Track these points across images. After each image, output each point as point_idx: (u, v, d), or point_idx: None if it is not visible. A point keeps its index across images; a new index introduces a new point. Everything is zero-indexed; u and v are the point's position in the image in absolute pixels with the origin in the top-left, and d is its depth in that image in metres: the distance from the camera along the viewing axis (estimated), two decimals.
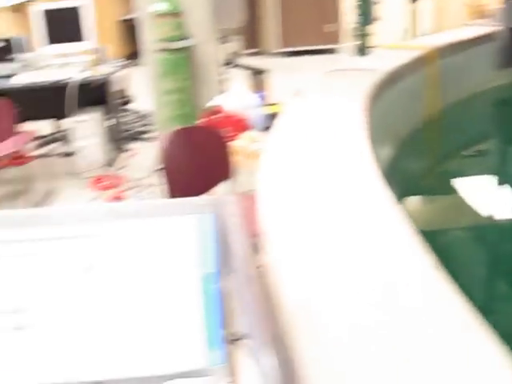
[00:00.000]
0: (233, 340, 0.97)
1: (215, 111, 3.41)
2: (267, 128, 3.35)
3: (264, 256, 0.90)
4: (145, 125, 6.25)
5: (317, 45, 10.45)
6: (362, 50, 4.60)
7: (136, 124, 6.35)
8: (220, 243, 0.92)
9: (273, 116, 3.47)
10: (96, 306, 0.91)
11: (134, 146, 5.64)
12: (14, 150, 4.59)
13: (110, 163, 5.34)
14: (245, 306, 0.76)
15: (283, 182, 1.16)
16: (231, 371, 0.94)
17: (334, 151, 1.35)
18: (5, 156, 4.78)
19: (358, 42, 4.78)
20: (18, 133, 4.50)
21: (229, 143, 3.07)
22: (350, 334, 0.70)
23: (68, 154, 5.77)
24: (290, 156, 1.33)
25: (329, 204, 1.06)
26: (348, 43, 8.71)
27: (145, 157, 5.33)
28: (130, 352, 0.92)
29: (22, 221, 0.89)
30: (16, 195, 4.92)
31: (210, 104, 3.57)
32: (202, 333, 0.92)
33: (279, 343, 0.68)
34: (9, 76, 5.22)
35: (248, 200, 1.08)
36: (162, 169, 2.98)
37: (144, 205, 0.89)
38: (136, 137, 6.00)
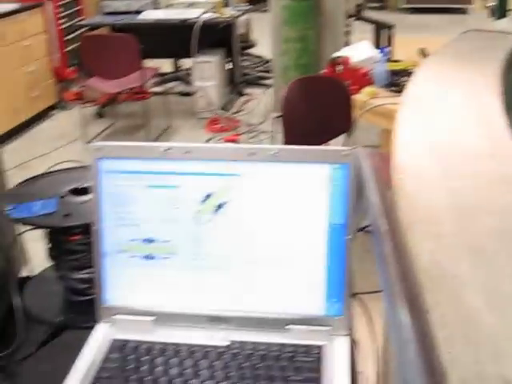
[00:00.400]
0: (352, 294, 0.96)
1: (338, 63, 3.35)
2: (389, 84, 3.27)
3: (398, 212, 0.88)
4: (264, 71, 6.24)
5: (445, 3, 9.91)
6: (500, 12, 4.35)
7: (256, 69, 6.35)
8: (352, 195, 0.90)
9: (396, 73, 3.38)
10: (225, 244, 0.92)
11: (252, 91, 5.66)
12: (137, 84, 4.70)
13: (226, 106, 5.39)
14: (379, 260, 0.75)
15: (420, 143, 1.12)
16: (348, 324, 0.94)
17: (467, 117, 1.28)
18: (128, 90, 4.92)
19: (494, 3, 4.54)
20: (142, 68, 4.60)
21: (350, 96, 3.02)
22: (488, 301, 0.67)
23: (186, 94, 5.87)
24: (425, 119, 1.27)
25: (464, 166, 1.01)
26: (481, 3, 8.30)
27: (262, 103, 5.35)
28: (254, 292, 0.93)
29: (162, 153, 0.91)
30: (135, 129, 5.07)
31: (333, 55, 3.50)
32: (322, 283, 0.92)
33: (413, 300, 0.66)
34: (137, 12, 5.34)
35: (379, 156, 1.05)
36: (279, 116, 2.98)
37: (281, 149, 0.89)
38: (254, 82, 6.02)
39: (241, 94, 5.72)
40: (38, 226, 1.04)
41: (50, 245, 1.10)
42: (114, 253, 0.94)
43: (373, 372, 1.04)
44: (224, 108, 5.30)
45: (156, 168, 0.91)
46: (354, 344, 0.94)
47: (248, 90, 5.69)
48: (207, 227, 0.92)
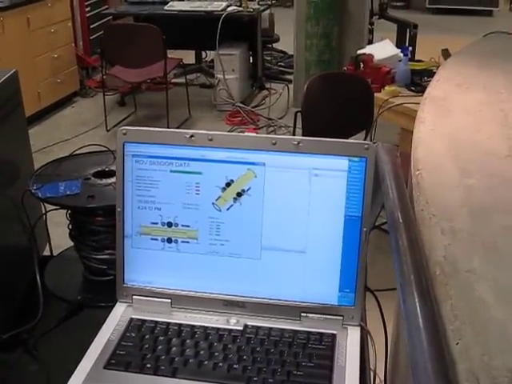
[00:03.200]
0: (365, 287, 0.98)
1: (361, 60, 3.35)
2: (411, 84, 3.27)
3: (414, 207, 0.90)
4: (286, 66, 6.25)
5: (470, 5, 9.77)
6: None
7: (277, 64, 6.36)
8: (369, 189, 0.92)
9: (417, 73, 3.38)
10: (243, 231, 0.94)
11: (273, 85, 5.66)
12: (159, 74, 4.73)
13: (247, 100, 5.40)
14: (394, 252, 0.77)
15: (439, 140, 1.13)
16: (360, 314, 0.96)
17: (487, 117, 1.29)
18: (151, 79, 4.95)
19: None
20: (165, 59, 4.62)
21: (372, 94, 3.03)
22: (498, 296, 0.69)
23: (208, 86, 5.90)
24: (446, 117, 1.28)
25: (481, 165, 1.02)
26: (506, 6, 8.22)
27: (282, 98, 5.36)
28: (270, 279, 0.95)
29: (186, 139, 0.93)
30: (155, 119, 5.10)
31: (356, 53, 3.51)
32: (337, 273, 0.94)
33: (426, 292, 0.68)
34: (162, 2, 5.35)
35: (397, 153, 1.06)
36: (299, 111, 3.00)
37: (303, 140, 0.91)
38: (276, 77, 6.02)
39: (262, 88, 5.73)
40: (62, 206, 1.06)
41: (72, 225, 1.12)
42: (135, 235, 0.97)
43: (382, 364, 1.06)
44: (244, 101, 5.31)
45: (180, 154, 0.93)
46: (365, 334, 0.96)
47: (269, 85, 5.70)
48: (227, 214, 0.94)
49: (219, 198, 0.94)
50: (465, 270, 0.76)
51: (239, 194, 0.93)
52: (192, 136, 0.93)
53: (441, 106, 1.37)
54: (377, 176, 0.94)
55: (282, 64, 6.37)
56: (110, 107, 5.20)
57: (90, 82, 5.93)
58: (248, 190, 0.93)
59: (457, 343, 0.66)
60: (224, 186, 0.93)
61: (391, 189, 0.91)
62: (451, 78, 1.60)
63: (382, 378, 1.08)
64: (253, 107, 5.32)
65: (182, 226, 0.95)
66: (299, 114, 2.94)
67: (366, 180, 0.91)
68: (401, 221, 0.83)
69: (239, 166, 0.92)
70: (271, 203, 0.93)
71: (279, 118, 5.06)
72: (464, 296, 0.72)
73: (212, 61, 5.82)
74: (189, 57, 6.21)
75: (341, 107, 2.94)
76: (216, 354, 0.89)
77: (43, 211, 1.16)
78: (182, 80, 5.48)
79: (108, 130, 4.81)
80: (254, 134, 0.93)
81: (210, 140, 0.92)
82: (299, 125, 3.01)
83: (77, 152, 1.22)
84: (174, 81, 5.74)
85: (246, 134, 0.94)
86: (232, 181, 0.93)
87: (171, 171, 0.94)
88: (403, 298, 0.68)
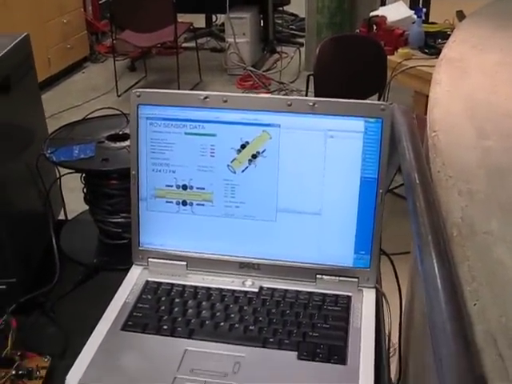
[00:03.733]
0: (380, 249, 0.98)
1: (374, 22, 3.31)
2: (424, 46, 3.23)
3: (431, 168, 0.89)
4: (297, 29, 6.18)
5: None
6: None
7: (289, 27, 6.29)
8: (385, 150, 0.91)
9: (431, 35, 3.33)
10: (258, 193, 0.94)
11: (284, 49, 5.61)
12: (169, 39, 4.70)
13: (258, 63, 5.36)
14: (412, 213, 0.76)
15: (456, 101, 1.11)
16: (375, 276, 0.96)
17: (504, 77, 1.27)
18: (161, 44, 4.92)
19: None
20: (175, 23, 4.58)
21: (385, 56, 3.00)
22: None
23: (218, 50, 5.85)
24: (462, 78, 1.26)
25: (498, 126, 1.01)
26: None
27: (294, 61, 5.31)
28: (285, 241, 0.95)
29: (201, 101, 0.92)
30: (166, 83, 5.08)
31: (368, 15, 3.46)
32: (352, 235, 0.94)
33: (443, 253, 0.68)
34: None
35: (413, 114, 1.05)
36: (311, 75, 2.97)
37: (318, 101, 0.90)
38: (287, 40, 5.96)
39: (273, 52, 5.68)
40: (76, 170, 1.06)
41: (87, 189, 1.12)
42: (150, 198, 0.97)
43: (396, 326, 1.06)
44: (255, 65, 5.27)
45: (194, 116, 0.93)
46: (380, 296, 0.96)
47: (280, 48, 5.64)
48: (242, 176, 0.93)
49: (234, 160, 0.93)
50: (482, 232, 0.76)
51: (254, 156, 0.92)
52: (206, 98, 0.92)
53: (457, 67, 1.35)
54: (392, 137, 0.93)
55: (293, 27, 6.30)
56: (120, 72, 5.18)
57: (100, 48, 5.90)
58: (263, 151, 0.92)
59: (474, 304, 0.66)
60: (239, 147, 0.92)
61: (408, 150, 0.90)
62: (467, 40, 1.58)
63: (396, 340, 1.09)
64: (264, 71, 5.28)
65: (197, 188, 0.95)
66: (311, 77, 2.91)
67: (383, 141, 0.90)
68: (418, 182, 0.82)
69: (254, 127, 0.92)
70: (286, 165, 0.92)
71: (291, 82, 5.02)
72: (481, 257, 0.71)
73: (222, 24, 5.77)
74: (199, 21, 6.15)
75: (353, 70, 2.91)
76: (232, 315, 0.89)
77: (57, 176, 1.16)
78: (192, 44, 5.44)
79: (119, 96, 4.79)
80: (269, 95, 0.92)
81: (225, 101, 0.92)
82: (311, 89, 2.99)
83: (90, 116, 1.22)
84: (184, 45, 5.69)
85: (261, 95, 0.93)
86: (247, 142, 0.92)
87: (185, 133, 0.93)
88: (421, 259, 0.68)
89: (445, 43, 3.31)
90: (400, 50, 3.21)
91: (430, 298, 0.62)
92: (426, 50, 3.21)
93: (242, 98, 0.92)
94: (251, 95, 0.94)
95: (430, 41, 3.29)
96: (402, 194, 2.76)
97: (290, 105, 0.90)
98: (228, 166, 0.93)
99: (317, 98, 0.90)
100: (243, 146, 0.92)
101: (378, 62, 3.00)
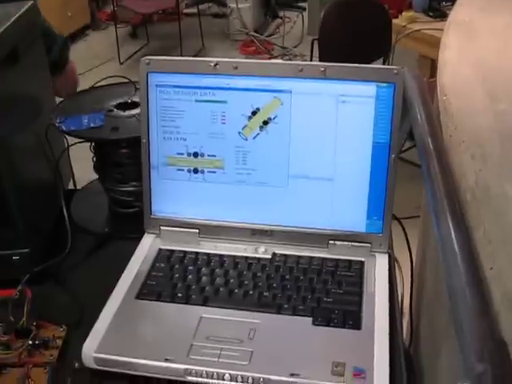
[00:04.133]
0: (395, 216, 0.97)
1: None
2: (429, 9, 3.19)
3: (443, 133, 0.88)
4: None
5: None
6: None
7: None
8: (397, 115, 0.90)
9: None
10: (270, 159, 0.93)
11: (287, 13, 5.55)
12: (171, 5, 4.65)
13: (261, 28, 5.31)
14: (426, 177, 0.76)
15: (465, 65, 1.10)
16: (388, 242, 0.96)
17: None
18: (162, 10, 4.87)
19: None
20: None
21: (390, 20, 2.96)
22: None
23: (220, 16, 5.79)
24: (471, 41, 1.24)
25: (509, 89, 1.00)
26: None
27: (296, 26, 5.26)
28: (297, 207, 0.95)
29: (211, 68, 0.92)
30: (168, 50, 5.04)
31: None
32: (365, 200, 0.93)
33: (459, 217, 0.67)
34: None
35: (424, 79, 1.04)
36: (316, 39, 2.94)
37: (329, 66, 0.89)
38: (289, 4, 5.89)
39: (275, 17, 5.62)
40: (87, 139, 1.06)
41: (96, 158, 1.12)
42: (161, 166, 0.96)
43: (407, 290, 1.06)
44: (258, 30, 5.22)
45: (204, 83, 0.92)
46: (392, 262, 0.96)
47: (282, 13, 5.58)
48: (253, 143, 0.93)
49: (245, 126, 0.92)
50: (497, 195, 0.75)
51: (265, 123, 0.92)
52: (216, 64, 0.91)
53: (466, 30, 1.33)
54: (404, 102, 0.92)
55: None
56: (122, 40, 5.13)
57: (101, 15, 5.84)
58: (274, 118, 0.91)
59: (491, 268, 0.66)
60: (250, 114, 0.92)
61: (420, 115, 0.90)
62: (474, 2, 1.55)
63: (407, 303, 1.09)
64: (267, 36, 5.24)
65: (208, 155, 0.95)
66: (316, 41, 2.89)
67: (395, 106, 0.89)
68: (432, 147, 0.82)
69: (265, 93, 0.91)
70: (298, 131, 0.92)
71: (294, 47, 4.98)
72: (497, 221, 0.71)
73: None
74: None
75: (358, 34, 2.88)
76: (246, 282, 0.89)
77: (66, 146, 1.16)
78: (193, 10, 5.38)
79: (121, 63, 4.76)
80: (280, 61, 0.91)
81: (235, 68, 0.91)
82: (316, 53, 2.96)
83: (97, 85, 1.21)
84: (185, 11, 5.64)
85: (271, 61, 0.92)
86: (258, 109, 0.91)
87: (196, 101, 0.93)
88: (437, 224, 0.67)
89: (449, 6, 3.28)
90: (404, 13, 3.17)
91: (448, 263, 0.62)
92: (431, 13, 3.17)
93: (253, 64, 0.91)
94: (262, 61, 0.93)
95: (435, 3, 3.25)
96: (408, 159, 2.75)
97: (301, 70, 0.89)
98: (239, 132, 0.93)
99: (328, 63, 0.89)
100: (254, 113, 0.92)
101: (383, 25, 2.96)
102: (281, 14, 5.58)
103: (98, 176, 1.14)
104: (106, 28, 5.66)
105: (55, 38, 1.45)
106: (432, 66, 3.17)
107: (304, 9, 5.47)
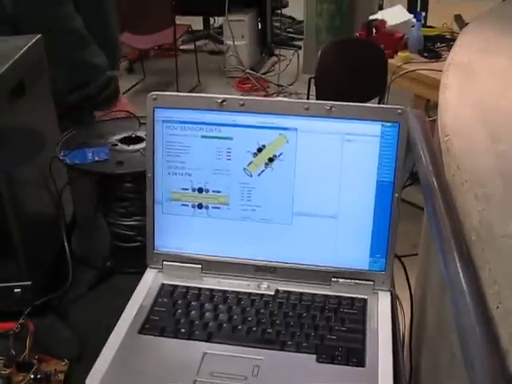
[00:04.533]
0: (395, 254, 0.98)
1: (373, 26, 3.32)
2: (423, 50, 3.24)
3: (446, 173, 0.89)
4: (295, 32, 6.18)
5: None
6: None
7: (287, 30, 6.30)
8: (401, 154, 0.92)
9: (430, 38, 3.34)
10: (275, 196, 0.94)
11: (283, 51, 5.61)
12: (168, 41, 4.69)
13: (257, 66, 5.37)
14: (431, 217, 0.77)
15: (466, 105, 1.12)
16: (390, 280, 0.96)
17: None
18: (159, 46, 4.91)
19: None
20: (174, 25, 4.58)
21: (386, 60, 3.01)
22: None
23: (217, 52, 5.85)
24: (471, 82, 1.27)
25: (510, 130, 1.01)
26: None
27: (292, 64, 5.31)
28: (301, 244, 0.95)
29: (217, 104, 0.93)
30: (164, 86, 5.07)
31: (367, 18, 3.47)
32: (368, 238, 0.94)
33: (465, 256, 0.68)
34: None
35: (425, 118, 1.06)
36: (312, 78, 2.98)
37: (335, 105, 0.90)
38: (285, 43, 5.97)
39: (271, 55, 5.68)
40: (91, 173, 1.06)
41: (100, 192, 1.12)
42: (165, 201, 0.97)
43: (407, 324, 1.07)
44: (254, 68, 5.28)
45: (211, 119, 0.93)
46: (394, 299, 0.96)
47: (278, 51, 5.64)
48: (258, 179, 0.94)
49: (251, 163, 0.93)
50: (501, 235, 0.76)
51: (271, 160, 0.93)
52: (224, 101, 0.92)
53: (465, 71, 1.36)
54: (408, 141, 0.94)
55: (291, 30, 6.30)
56: (118, 74, 5.17)
57: None
58: (280, 155, 0.92)
59: (497, 307, 0.66)
60: (255, 151, 0.93)
61: (424, 154, 0.91)
62: (473, 44, 1.58)
63: (407, 340, 1.09)
64: (262, 74, 5.29)
65: (213, 191, 0.95)
66: (312, 80, 2.92)
67: (399, 145, 0.91)
68: (436, 186, 0.83)
69: (271, 131, 0.92)
70: (303, 168, 0.93)
71: (289, 85, 5.03)
72: (502, 260, 0.72)
73: (220, 27, 5.77)
74: (196, 23, 6.15)
75: (354, 73, 2.92)
76: (249, 318, 0.90)
77: (67, 180, 1.16)
78: (190, 47, 5.44)
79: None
80: (287, 99, 0.92)
81: (242, 105, 0.92)
82: (312, 92, 2.99)
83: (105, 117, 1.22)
84: (182, 47, 5.69)
85: (278, 98, 0.93)
86: (264, 146, 0.92)
87: (202, 136, 0.94)
88: (445, 263, 0.68)
89: (444, 47, 3.33)
90: (400, 54, 3.22)
91: (457, 302, 0.62)
92: (426, 54, 3.22)
93: (259, 101, 0.92)
94: (268, 99, 0.95)
95: (429, 44, 3.31)
96: (403, 198, 2.77)
97: (307, 108, 0.91)
98: (244, 169, 0.94)
99: (334, 102, 0.91)
100: (260, 150, 0.93)
101: (379, 65, 3.01)
102: (276, 51, 5.64)
103: (100, 210, 1.14)
104: None
105: (97, 74, 1.52)
106: (426, 106, 3.21)
107: (300, 47, 5.54)
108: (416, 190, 2.75)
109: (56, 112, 1.13)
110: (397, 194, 0.92)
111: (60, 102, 1.21)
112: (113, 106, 1.55)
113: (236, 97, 0.92)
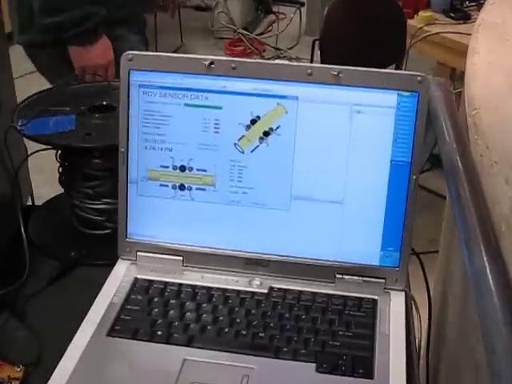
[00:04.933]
0: (412, 249, 0.98)
1: None
2: (449, 9, 3.24)
3: (474, 153, 0.90)
4: None
5: None
6: None
7: None
8: (421, 129, 0.92)
9: None
10: (270, 177, 0.95)
11: (282, 9, 5.59)
12: None
13: (251, 25, 5.35)
14: (455, 203, 0.77)
15: (497, 74, 1.12)
16: (405, 277, 0.97)
17: None
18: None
19: None
20: None
21: (405, 20, 3.00)
22: None
23: (203, 8, 5.83)
24: (503, 47, 1.27)
25: None
26: None
27: (293, 24, 5.30)
28: (300, 234, 0.96)
29: (204, 67, 0.93)
30: None
31: None
32: (379, 228, 0.95)
33: (492, 247, 0.69)
34: None
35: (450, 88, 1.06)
36: (317, 40, 2.97)
37: (344, 70, 0.91)
38: None
39: (268, 12, 5.66)
40: (53, 146, 1.06)
41: (63, 169, 1.12)
42: (141, 180, 0.97)
43: (424, 330, 1.08)
44: (248, 28, 5.26)
45: (196, 84, 0.93)
46: (409, 301, 0.97)
47: (277, 8, 5.62)
48: (251, 156, 0.94)
49: (242, 137, 0.94)
50: None
51: (266, 134, 0.93)
52: (212, 63, 0.92)
53: (498, 33, 1.36)
54: (427, 115, 0.94)
55: None
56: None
57: None
58: (277, 128, 0.93)
59: None
60: (248, 123, 0.93)
61: (447, 129, 0.91)
62: (508, 1, 1.58)
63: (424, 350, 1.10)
64: (257, 35, 5.28)
65: (198, 170, 0.96)
66: (317, 42, 2.92)
67: (418, 119, 0.91)
68: (461, 167, 0.83)
69: (267, 99, 0.92)
70: (304, 144, 0.93)
71: (289, 48, 5.03)
72: None
73: None
74: None
75: (367, 36, 2.91)
76: (238, 320, 0.90)
77: (27, 153, 1.16)
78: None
79: None
80: (287, 62, 0.93)
81: (234, 68, 0.92)
82: (316, 57, 2.99)
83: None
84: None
85: (276, 61, 0.93)
86: (258, 117, 0.93)
87: (186, 105, 0.94)
88: (469, 257, 0.69)
89: (473, 6, 3.34)
90: (421, 14, 3.21)
91: (482, 301, 0.63)
92: (452, 14, 3.21)
93: (254, 64, 0.93)
94: (265, 61, 0.95)
95: (456, 3, 3.30)
96: (422, 184, 2.77)
97: (310, 74, 0.91)
98: (235, 144, 0.94)
99: (342, 67, 0.91)
100: (253, 122, 0.93)
101: (396, 26, 3.00)
102: (275, 8, 5.62)
103: (63, 190, 1.15)
104: None
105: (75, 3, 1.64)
106: (452, 76, 3.22)
107: (302, 4, 5.51)
108: (437, 176, 2.76)
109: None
110: (414, 176, 0.92)
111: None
112: (87, 43, 1.67)
113: (226, 58, 0.92)
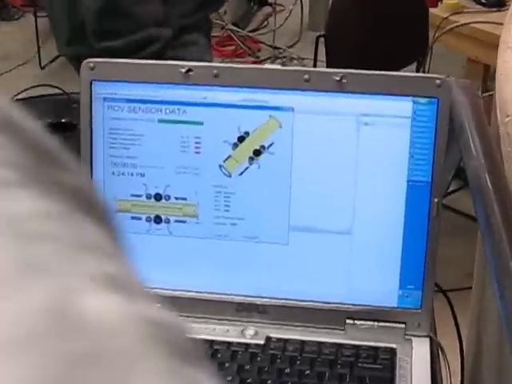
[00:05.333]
0: (437, 285, 0.99)
1: None
2: None
3: (507, 169, 0.91)
4: None
5: None
6: None
7: None
8: (442, 142, 0.93)
9: None
10: (263, 204, 0.95)
11: (279, 0, 5.63)
12: None
13: (242, 20, 5.38)
14: (484, 228, 0.78)
15: None
16: (429, 320, 0.97)
17: None
18: None
19: None
20: None
21: (426, 10, 3.01)
22: None
23: None
24: None
25: None
26: None
27: (294, 17, 5.33)
28: (301, 272, 0.96)
29: (181, 75, 0.94)
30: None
31: None
32: (396, 263, 0.95)
33: None
34: None
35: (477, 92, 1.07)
36: (321, 36, 2.99)
37: (348, 74, 0.91)
38: None
39: (263, 4, 5.69)
40: None
41: None
42: None
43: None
44: (238, 23, 5.29)
45: (172, 96, 0.94)
46: (435, 348, 0.97)
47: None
48: (240, 180, 0.95)
49: (229, 157, 0.94)
50: None
51: (257, 153, 0.94)
52: (189, 70, 0.93)
53: None
54: (451, 124, 0.95)
55: None
56: (44, 35, 5.17)
57: (15, 0, 5.90)
58: (270, 146, 0.94)
59: None
60: (235, 140, 0.94)
61: (473, 141, 0.92)
62: None
63: None
64: (250, 31, 5.29)
65: (176, 198, 0.97)
66: (322, 39, 2.93)
67: (438, 129, 0.92)
68: (490, 185, 0.84)
69: (257, 111, 0.93)
70: (303, 164, 0.94)
71: (289, 47, 5.04)
72: None
73: None
74: None
75: (380, 30, 2.93)
76: (229, 378, 0.90)
77: None
78: None
79: (43, 67, 4.78)
80: (280, 67, 0.94)
81: (216, 76, 0.93)
82: (321, 56, 3.00)
83: (17, 97, 1.23)
84: None
85: (267, 66, 0.94)
86: (247, 133, 0.93)
87: (160, 121, 0.95)
88: (500, 293, 0.69)
89: None
90: (446, 1, 3.23)
91: None
92: (483, 1, 3.23)
93: (240, 70, 0.94)
94: (252, 66, 0.96)
95: None
96: (451, 206, 2.78)
97: (307, 80, 0.92)
98: (220, 166, 0.95)
99: (345, 70, 0.92)
100: (241, 139, 0.94)
101: (416, 17, 3.02)
102: (271, 0, 5.66)
103: None
104: (21, 18, 5.71)
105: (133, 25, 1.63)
106: (485, 75, 3.23)
107: None
108: (469, 195, 2.76)
109: None
110: (436, 199, 0.93)
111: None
112: None
113: (207, 64, 0.94)
